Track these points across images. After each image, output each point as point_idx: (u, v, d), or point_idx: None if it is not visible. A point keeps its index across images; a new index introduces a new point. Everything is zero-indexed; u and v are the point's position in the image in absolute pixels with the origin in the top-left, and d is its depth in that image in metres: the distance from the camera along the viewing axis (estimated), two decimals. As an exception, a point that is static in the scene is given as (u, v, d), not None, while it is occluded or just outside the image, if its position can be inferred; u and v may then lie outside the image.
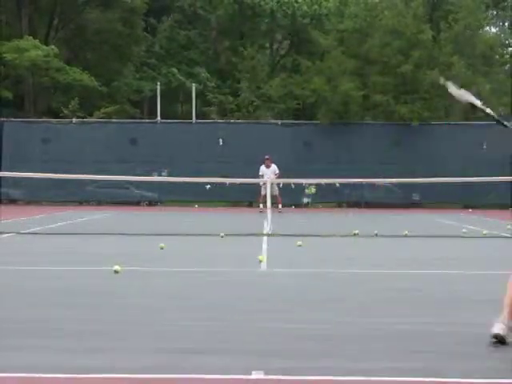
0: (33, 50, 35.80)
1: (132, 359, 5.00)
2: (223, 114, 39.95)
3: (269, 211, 17.34)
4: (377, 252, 13.00)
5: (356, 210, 30.10)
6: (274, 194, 25.09)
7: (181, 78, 40.95)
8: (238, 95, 38.71)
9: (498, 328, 5.38)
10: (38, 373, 4.62)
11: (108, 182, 29.40)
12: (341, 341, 5.66)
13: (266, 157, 26.64)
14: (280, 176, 26.05)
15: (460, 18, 35.28)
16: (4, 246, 13.55)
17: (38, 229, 17.14)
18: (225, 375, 4.60)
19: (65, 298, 7.51)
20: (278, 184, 24.54)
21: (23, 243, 14.11)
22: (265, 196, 25.28)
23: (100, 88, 38.74)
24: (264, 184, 24.27)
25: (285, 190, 23.61)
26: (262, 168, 26.47)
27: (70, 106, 35.78)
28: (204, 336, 5.75)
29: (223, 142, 32.35)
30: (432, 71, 32.39)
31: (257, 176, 25.95)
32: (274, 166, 26.45)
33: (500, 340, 5.33)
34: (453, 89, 4.60)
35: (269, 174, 25.97)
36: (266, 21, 43.15)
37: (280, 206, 25.74)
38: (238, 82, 39.76)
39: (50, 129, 33.28)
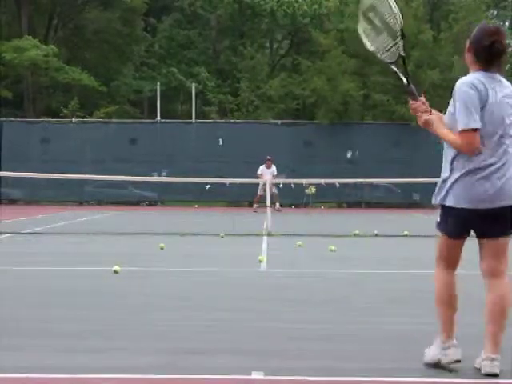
0: (32, 49, 35.78)
1: (132, 359, 5.00)
2: (223, 113, 39.96)
3: (268, 210, 17.30)
4: (377, 252, 13.01)
5: (356, 209, 30.11)
6: (273, 192, 25.25)
7: (181, 77, 40.93)
8: (238, 95, 38.70)
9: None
10: (38, 373, 4.62)
11: (108, 182, 29.41)
12: (341, 341, 5.66)
13: (269, 157, 26.58)
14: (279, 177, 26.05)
15: (460, 18, 35.27)
16: (4, 246, 13.54)
17: (38, 229, 17.14)
18: (225, 375, 4.60)
19: (65, 298, 7.50)
20: (277, 184, 24.53)
21: (23, 243, 14.11)
22: (261, 196, 25.37)
23: (100, 88, 38.72)
24: (264, 185, 24.29)
25: (284, 189, 23.64)
26: (262, 168, 26.39)
27: (69, 105, 35.77)
28: (204, 336, 5.75)
29: (223, 142, 32.33)
30: (432, 71, 32.41)
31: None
32: (273, 168, 26.35)
33: None
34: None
35: (268, 174, 25.89)
36: (266, 20, 43.09)
37: (278, 205, 25.67)
38: (238, 82, 39.74)
39: (49, 129, 33.27)
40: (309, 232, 16.27)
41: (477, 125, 4.50)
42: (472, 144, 4.52)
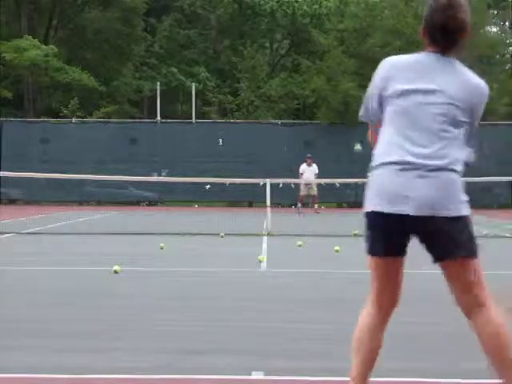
0: (32, 49, 35.82)
1: (132, 359, 4.99)
2: (223, 113, 39.96)
3: (268, 210, 17.28)
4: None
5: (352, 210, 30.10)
6: (313, 194, 25.44)
7: (180, 77, 40.95)
8: (238, 95, 38.70)
9: None
10: (38, 373, 4.62)
11: (108, 182, 29.43)
12: (341, 341, 5.65)
13: (308, 155, 26.62)
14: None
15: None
16: (4, 246, 13.54)
17: (38, 229, 17.13)
18: (225, 375, 4.59)
19: (65, 298, 7.50)
20: (318, 184, 24.69)
21: (23, 243, 14.10)
22: (304, 196, 25.54)
23: (99, 88, 38.73)
24: (308, 185, 24.61)
25: (284, 189, 23.58)
26: (303, 166, 26.30)
27: (69, 105, 35.78)
28: (204, 336, 5.75)
29: (223, 142, 32.34)
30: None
31: (296, 175, 25.77)
32: (314, 166, 26.20)
33: None
34: None
35: (309, 173, 25.85)
36: (266, 20, 43.13)
37: (316, 206, 25.97)
38: (238, 82, 39.75)
39: (49, 129, 33.29)
40: (309, 232, 16.27)
41: (364, 117, 3.59)
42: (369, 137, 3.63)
